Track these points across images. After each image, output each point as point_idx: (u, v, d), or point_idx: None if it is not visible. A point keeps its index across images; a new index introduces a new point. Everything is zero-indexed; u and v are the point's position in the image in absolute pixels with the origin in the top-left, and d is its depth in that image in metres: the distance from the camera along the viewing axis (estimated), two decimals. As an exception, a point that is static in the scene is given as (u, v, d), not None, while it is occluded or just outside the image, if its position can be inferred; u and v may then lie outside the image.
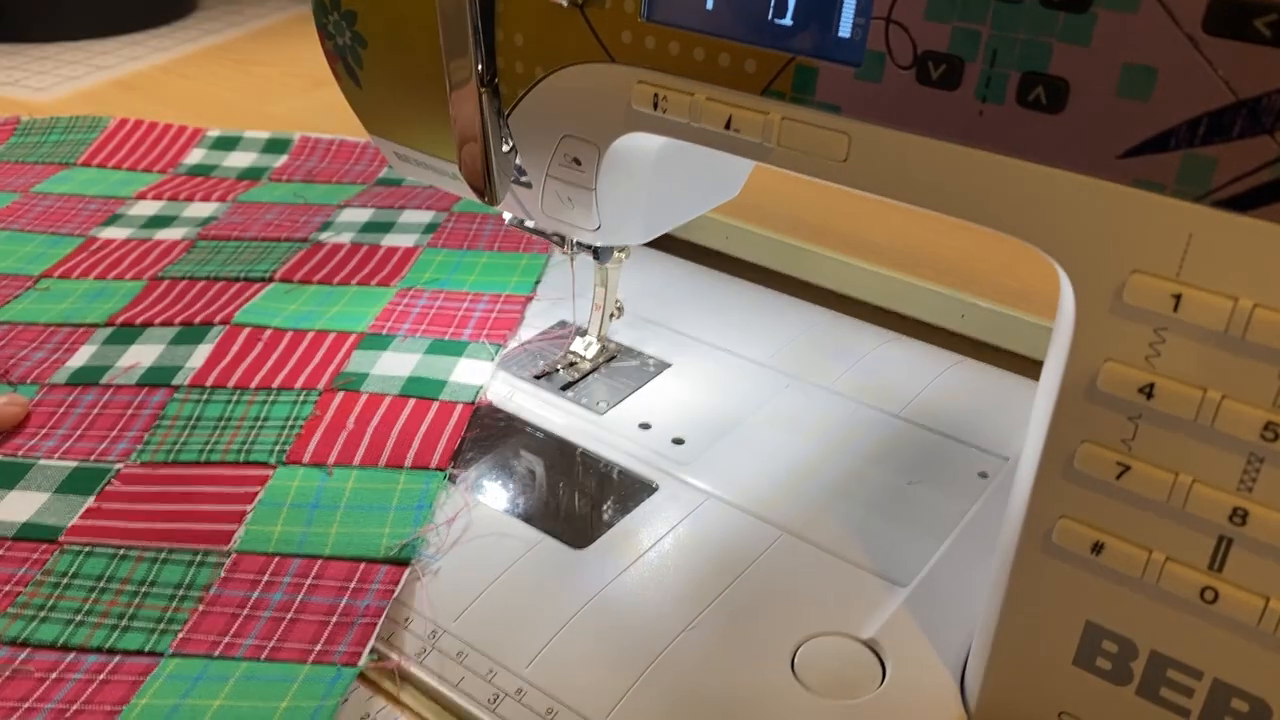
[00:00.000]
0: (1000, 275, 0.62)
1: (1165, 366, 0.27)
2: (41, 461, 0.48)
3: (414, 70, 0.42)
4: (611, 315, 0.54)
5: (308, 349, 0.55)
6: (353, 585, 0.41)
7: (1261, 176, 0.24)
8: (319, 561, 0.42)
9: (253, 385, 0.53)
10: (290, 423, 0.50)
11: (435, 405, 0.51)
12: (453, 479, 0.47)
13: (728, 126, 0.34)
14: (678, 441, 0.49)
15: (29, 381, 0.54)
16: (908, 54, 0.29)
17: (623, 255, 0.51)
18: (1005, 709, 0.35)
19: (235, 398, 0.52)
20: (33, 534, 0.44)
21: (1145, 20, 0.25)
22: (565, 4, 0.36)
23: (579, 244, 0.50)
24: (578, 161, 0.41)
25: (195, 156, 0.80)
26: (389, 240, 0.66)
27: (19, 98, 0.95)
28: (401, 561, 0.42)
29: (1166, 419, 0.28)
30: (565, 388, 0.53)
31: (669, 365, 0.55)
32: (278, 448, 0.48)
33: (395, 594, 0.40)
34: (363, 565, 0.42)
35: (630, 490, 0.46)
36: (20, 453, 0.49)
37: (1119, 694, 0.32)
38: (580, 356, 0.55)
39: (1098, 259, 0.28)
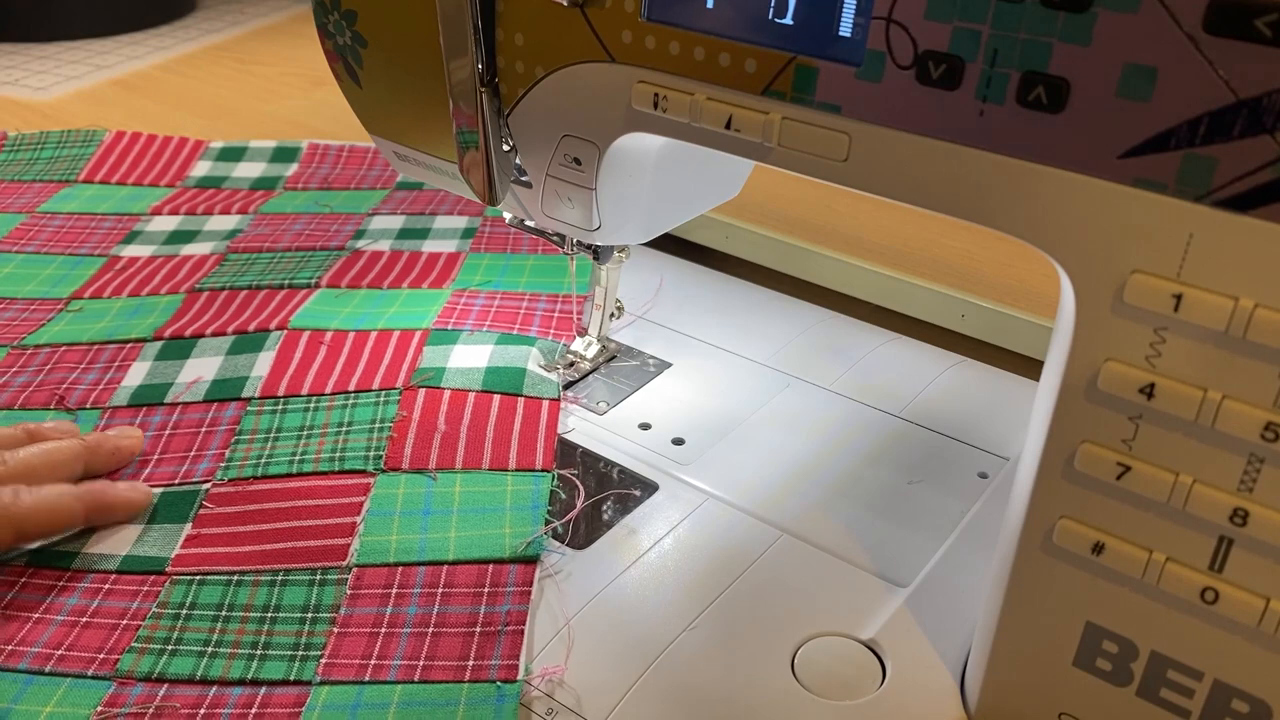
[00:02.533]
0: (1000, 275, 0.62)
1: (1165, 366, 0.27)
2: None
3: (414, 70, 0.42)
4: (611, 315, 0.54)
5: (375, 348, 0.54)
6: (486, 590, 0.40)
7: (1262, 176, 0.24)
8: (445, 568, 0.41)
9: (328, 390, 0.51)
10: (377, 425, 0.48)
11: (521, 401, 0.50)
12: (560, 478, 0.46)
13: (728, 126, 0.34)
14: (678, 441, 0.49)
15: (89, 406, 0.51)
16: (908, 54, 0.29)
17: (623, 255, 0.51)
18: (1005, 710, 0.35)
19: (313, 404, 0.50)
20: (138, 566, 0.42)
21: (1145, 20, 0.25)
22: (565, 4, 0.36)
23: (579, 244, 0.50)
24: (578, 161, 0.40)
25: (202, 169, 0.79)
26: (429, 246, 0.65)
27: (19, 97, 0.95)
28: (529, 560, 0.41)
29: (1167, 419, 0.28)
30: (565, 388, 0.53)
31: (669, 365, 0.55)
32: (372, 454, 0.47)
33: (532, 595, 0.40)
34: (491, 567, 0.41)
35: (630, 490, 0.46)
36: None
37: (1119, 695, 0.32)
38: (580, 356, 0.55)
39: (1098, 259, 0.28)
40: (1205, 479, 0.28)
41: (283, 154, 0.81)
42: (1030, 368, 0.56)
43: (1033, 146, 0.28)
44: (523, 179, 0.44)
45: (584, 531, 0.44)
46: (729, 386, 0.53)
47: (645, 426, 0.50)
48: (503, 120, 0.41)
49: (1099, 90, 0.26)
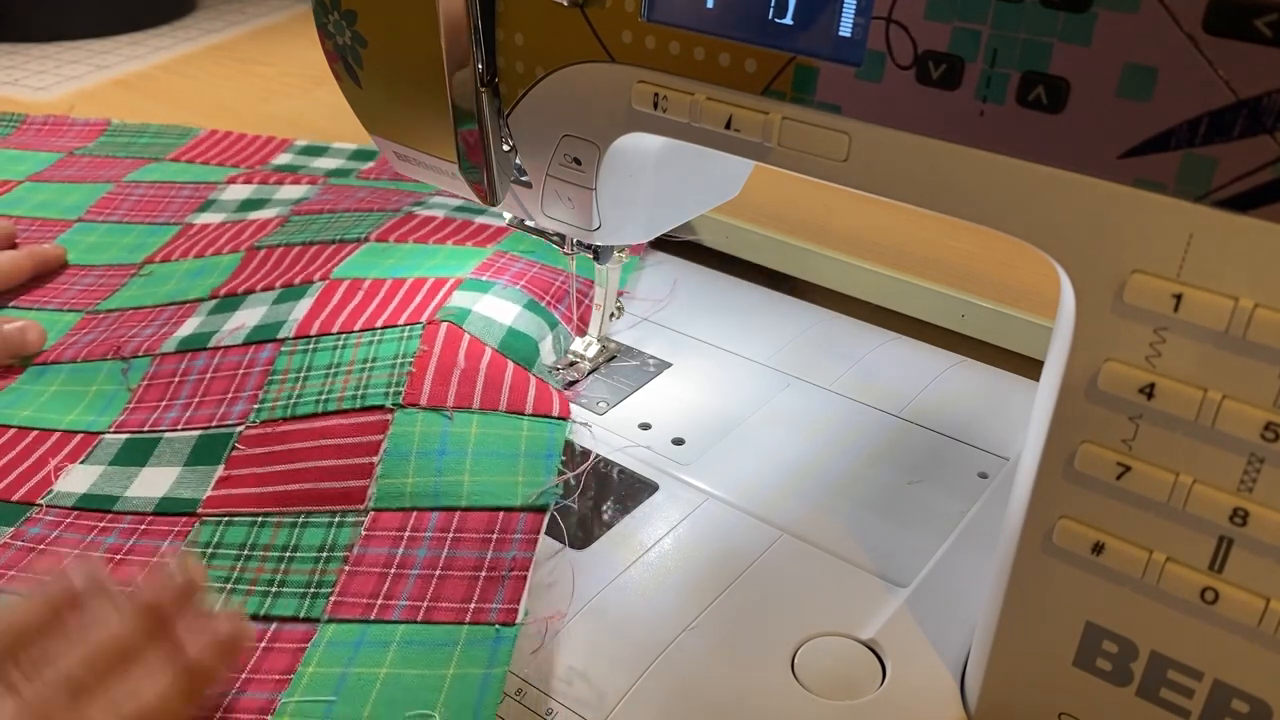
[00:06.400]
0: (1000, 275, 0.62)
1: (1165, 366, 0.27)
2: (167, 435, 0.49)
3: (414, 70, 0.42)
4: (611, 315, 0.54)
5: (408, 292, 0.54)
6: (495, 536, 0.41)
7: (1262, 176, 0.24)
8: (458, 514, 0.42)
9: (357, 328, 0.52)
10: (399, 360, 0.49)
11: (534, 380, 0.50)
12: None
13: (728, 126, 0.34)
14: (678, 441, 0.49)
15: (141, 354, 0.55)
16: (908, 54, 0.29)
17: (623, 255, 0.51)
18: (1005, 710, 0.35)
19: (341, 342, 0.51)
20: (171, 508, 0.45)
21: (1145, 20, 0.25)
22: (565, 4, 0.36)
23: (579, 244, 0.50)
24: (578, 161, 0.40)
25: (283, 159, 0.82)
26: (483, 219, 0.66)
27: (19, 97, 0.94)
28: (539, 509, 0.42)
29: (1167, 419, 0.28)
30: (565, 388, 0.53)
31: (669, 365, 0.55)
32: (392, 389, 0.47)
33: (538, 543, 0.41)
34: (502, 514, 0.42)
35: (630, 490, 0.46)
36: (146, 427, 0.50)
37: (1119, 695, 0.32)
38: (580, 356, 0.55)
39: (1098, 259, 0.28)
40: (1205, 479, 0.28)
41: (361, 155, 0.83)
42: (1030, 368, 0.56)
43: (1033, 146, 0.28)
44: (523, 179, 0.44)
45: (584, 531, 0.44)
46: (729, 386, 0.53)
47: (645, 426, 0.50)
48: (503, 120, 0.41)
49: (1099, 90, 0.26)
